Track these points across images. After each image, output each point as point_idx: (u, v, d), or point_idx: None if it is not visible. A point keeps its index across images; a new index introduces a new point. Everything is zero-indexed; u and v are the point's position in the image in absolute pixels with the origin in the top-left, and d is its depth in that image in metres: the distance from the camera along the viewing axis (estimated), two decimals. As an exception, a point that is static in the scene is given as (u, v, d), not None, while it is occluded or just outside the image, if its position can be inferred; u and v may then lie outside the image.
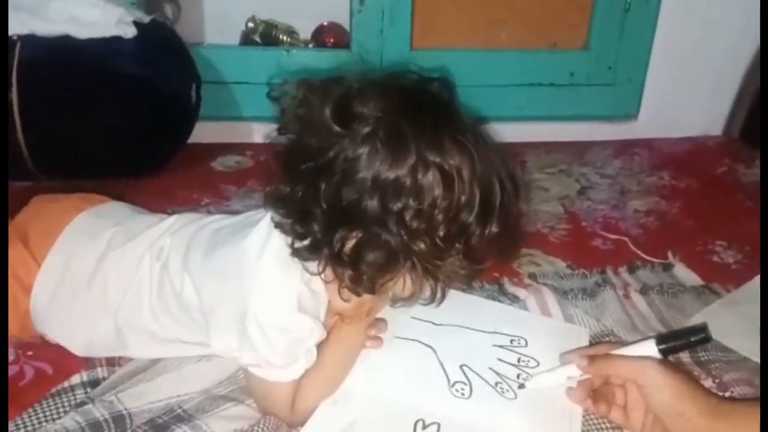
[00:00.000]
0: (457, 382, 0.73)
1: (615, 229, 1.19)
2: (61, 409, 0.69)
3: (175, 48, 1.34)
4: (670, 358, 0.71)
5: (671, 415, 0.63)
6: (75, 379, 0.73)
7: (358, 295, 0.64)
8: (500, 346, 0.80)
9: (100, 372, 0.75)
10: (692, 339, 0.71)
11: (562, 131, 1.62)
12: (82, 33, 1.19)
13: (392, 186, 0.58)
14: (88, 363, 0.76)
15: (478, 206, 0.59)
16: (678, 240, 1.13)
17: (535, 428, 0.69)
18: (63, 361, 0.76)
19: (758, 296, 0.91)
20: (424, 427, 0.68)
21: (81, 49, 1.19)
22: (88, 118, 1.19)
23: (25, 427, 0.67)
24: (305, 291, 0.67)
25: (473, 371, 0.75)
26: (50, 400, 0.70)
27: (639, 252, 1.09)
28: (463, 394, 0.72)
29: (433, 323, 0.82)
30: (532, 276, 1.00)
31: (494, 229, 0.61)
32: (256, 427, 0.66)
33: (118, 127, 1.22)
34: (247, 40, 1.71)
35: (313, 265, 0.64)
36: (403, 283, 0.64)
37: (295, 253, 0.64)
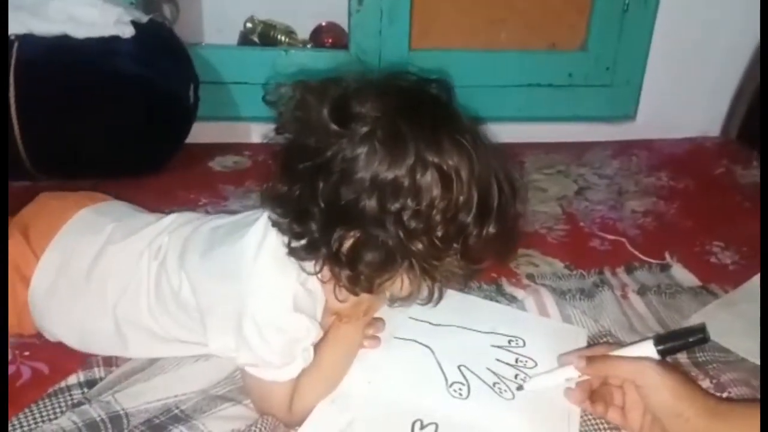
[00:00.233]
0: (455, 382, 0.73)
1: (613, 229, 1.19)
2: (57, 410, 0.69)
3: (173, 48, 1.34)
4: (668, 358, 0.71)
5: (669, 416, 0.64)
6: (72, 379, 0.73)
7: (356, 294, 0.64)
8: (498, 347, 0.80)
9: (97, 372, 0.75)
10: (690, 340, 0.71)
11: (561, 132, 1.62)
12: (80, 33, 1.19)
13: (390, 186, 0.58)
14: (85, 363, 0.76)
15: (476, 207, 0.59)
16: (676, 241, 1.13)
17: (533, 428, 0.69)
18: (60, 361, 0.76)
19: (756, 297, 0.91)
20: (422, 427, 0.68)
21: (79, 48, 1.19)
22: (86, 118, 1.19)
23: (22, 427, 0.67)
24: (301, 291, 0.67)
25: (471, 371, 0.75)
26: (47, 400, 0.70)
27: (637, 253, 1.10)
28: (461, 395, 0.72)
29: (431, 323, 0.82)
30: (530, 276, 1.00)
31: (492, 229, 0.61)
32: (253, 428, 0.66)
33: (116, 127, 1.22)
34: (245, 40, 1.71)
35: (309, 265, 0.64)
36: (400, 283, 0.64)
37: (292, 252, 0.64)
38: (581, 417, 0.71)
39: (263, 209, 0.68)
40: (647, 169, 1.48)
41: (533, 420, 0.70)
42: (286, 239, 0.64)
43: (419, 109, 0.61)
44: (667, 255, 1.07)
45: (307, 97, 0.62)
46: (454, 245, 0.60)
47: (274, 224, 0.65)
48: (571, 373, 0.72)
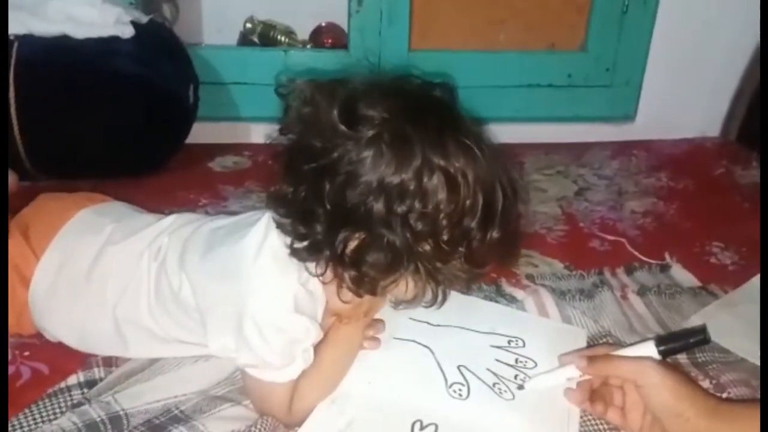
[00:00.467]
0: (454, 382, 0.73)
1: (612, 230, 1.19)
2: (57, 410, 0.69)
3: (173, 48, 1.34)
4: (668, 359, 0.71)
5: (670, 416, 0.64)
6: (72, 379, 0.73)
7: (360, 296, 0.64)
8: (498, 347, 0.80)
9: (97, 372, 0.75)
10: (691, 341, 0.71)
11: (560, 132, 1.62)
12: (79, 33, 1.19)
13: (397, 189, 0.58)
14: (85, 363, 0.76)
15: (481, 210, 0.60)
16: (675, 241, 1.13)
17: (532, 429, 0.69)
18: (60, 361, 0.76)
19: (756, 297, 0.91)
20: (422, 427, 0.68)
21: (79, 48, 1.19)
22: (86, 118, 1.19)
23: (22, 427, 0.66)
24: (302, 291, 0.67)
25: (471, 372, 0.75)
26: (47, 400, 0.70)
27: (636, 253, 1.10)
28: (460, 395, 0.72)
29: (431, 324, 0.82)
30: (530, 277, 1.00)
31: (495, 234, 0.61)
32: (253, 428, 0.66)
33: (116, 127, 1.22)
34: (245, 40, 1.71)
35: (311, 266, 0.64)
36: (405, 285, 0.64)
37: (294, 253, 0.64)
38: (581, 417, 0.71)
39: (264, 210, 0.68)
40: (647, 170, 1.48)
41: (533, 420, 0.70)
42: (288, 240, 0.64)
43: (425, 112, 0.61)
44: (666, 255, 1.07)
45: (316, 97, 0.62)
46: (460, 248, 0.61)
47: (278, 225, 0.65)
48: (572, 373, 0.72)
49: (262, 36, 1.70)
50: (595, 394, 0.71)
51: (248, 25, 1.70)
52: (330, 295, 0.68)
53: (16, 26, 1.15)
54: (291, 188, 0.63)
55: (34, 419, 0.68)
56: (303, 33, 1.73)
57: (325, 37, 1.71)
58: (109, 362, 0.76)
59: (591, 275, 1.02)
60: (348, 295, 0.65)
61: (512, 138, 1.42)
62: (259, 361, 0.66)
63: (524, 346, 0.81)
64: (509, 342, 0.81)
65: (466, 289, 0.89)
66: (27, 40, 1.16)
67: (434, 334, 0.81)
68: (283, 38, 1.69)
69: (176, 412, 0.68)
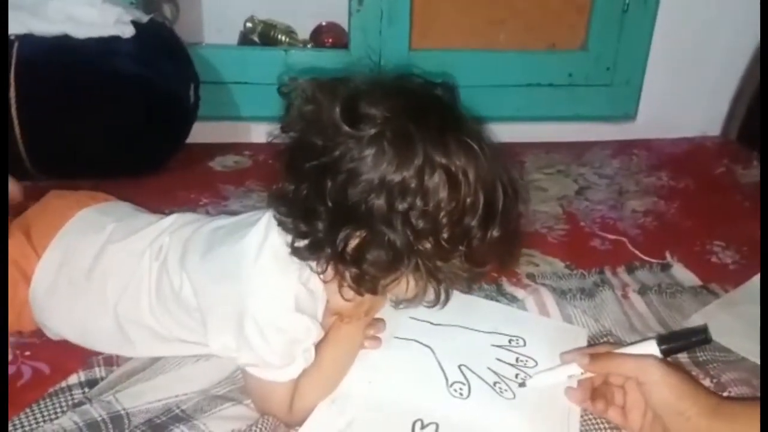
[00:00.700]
0: (455, 382, 0.73)
1: (613, 229, 1.19)
2: (58, 409, 0.69)
3: (173, 48, 1.34)
4: (669, 358, 0.71)
5: (671, 414, 0.64)
6: (73, 379, 0.73)
7: (361, 294, 0.64)
8: (499, 346, 0.80)
9: (98, 372, 0.75)
10: (692, 340, 0.71)
11: (561, 132, 1.62)
12: (80, 33, 1.19)
13: (398, 187, 0.58)
14: (86, 363, 0.76)
15: (482, 209, 0.60)
16: (676, 240, 1.13)
17: (533, 428, 0.69)
18: (61, 361, 0.76)
19: (756, 296, 0.91)
20: (423, 427, 0.68)
21: (79, 48, 1.19)
22: (87, 118, 1.19)
23: (23, 427, 0.67)
24: (303, 291, 0.67)
25: (472, 371, 0.75)
26: (48, 400, 0.70)
27: (637, 252, 1.10)
28: (461, 394, 0.72)
29: (432, 323, 0.82)
30: (531, 276, 1.00)
31: (495, 233, 0.61)
32: (254, 428, 0.66)
33: (116, 127, 1.22)
34: (245, 40, 1.71)
35: (312, 265, 0.65)
36: (406, 284, 0.64)
37: (295, 252, 0.64)
38: (581, 417, 0.71)
39: (265, 209, 0.68)
40: (647, 169, 1.48)
41: (534, 419, 0.70)
42: (289, 239, 0.64)
43: (427, 111, 0.61)
44: (667, 254, 1.07)
45: (319, 95, 0.62)
46: (460, 247, 0.61)
47: (279, 223, 0.65)
48: (574, 371, 0.72)
49: (263, 35, 1.70)
50: (595, 392, 0.71)
51: (249, 25, 1.70)
52: (331, 294, 0.68)
53: (16, 26, 1.15)
54: (292, 186, 0.63)
55: (36, 419, 0.68)
56: (303, 32, 1.73)
57: (326, 36, 1.71)
58: (110, 361, 0.76)
59: (592, 274, 1.02)
60: (349, 293, 0.65)
61: (513, 137, 1.42)
62: (259, 360, 0.66)
63: (525, 345, 0.81)
64: (510, 341, 0.81)
65: (467, 289, 0.89)
66: (27, 40, 1.16)
67: (435, 333, 0.81)
68: (283, 38, 1.69)
69: (177, 411, 0.68)
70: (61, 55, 1.18)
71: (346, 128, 0.59)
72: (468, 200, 0.59)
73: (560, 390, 0.72)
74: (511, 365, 0.77)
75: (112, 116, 1.21)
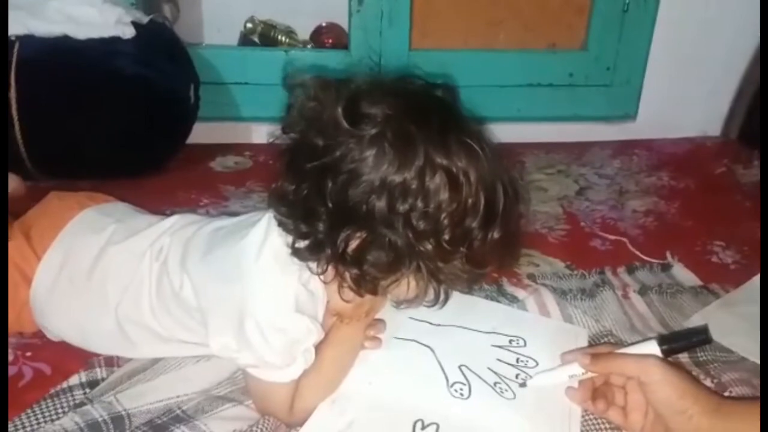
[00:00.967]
0: (456, 382, 0.73)
1: (613, 229, 1.19)
2: (60, 410, 0.69)
3: (173, 48, 1.34)
4: (669, 358, 0.71)
5: (673, 413, 0.64)
6: (74, 379, 0.73)
7: (361, 295, 0.64)
8: (499, 346, 0.80)
9: (99, 373, 0.75)
10: (693, 340, 0.71)
11: (561, 132, 1.62)
12: (80, 33, 1.19)
13: (399, 188, 0.58)
14: (87, 363, 0.76)
15: (483, 210, 0.60)
16: (676, 240, 1.13)
17: (533, 428, 0.69)
18: (62, 361, 0.76)
19: (757, 296, 0.91)
20: (423, 427, 0.68)
21: (79, 49, 1.19)
22: (87, 119, 1.19)
23: (24, 427, 0.67)
24: (303, 291, 0.67)
25: (472, 371, 0.75)
26: (49, 400, 0.70)
27: (637, 252, 1.10)
28: (462, 395, 0.72)
29: (432, 323, 0.82)
30: (531, 276, 1.00)
31: (496, 234, 0.61)
32: (254, 428, 0.66)
33: (116, 128, 1.22)
34: (245, 40, 1.71)
35: (313, 266, 0.65)
36: (406, 285, 0.64)
37: (296, 253, 0.64)
38: (582, 417, 0.71)
39: (266, 210, 0.68)
40: (648, 169, 1.48)
41: (534, 419, 0.70)
42: (289, 239, 0.64)
43: (428, 112, 0.61)
44: (668, 255, 1.07)
45: (321, 94, 0.62)
46: (461, 248, 0.61)
47: (279, 223, 0.65)
48: (575, 370, 0.72)
49: (263, 36, 1.70)
50: (596, 393, 0.71)
51: (249, 25, 1.70)
52: (331, 295, 0.68)
53: (16, 26, 1.15)
54: (293, 186, 0.63)
55: (37, 419, 0.68)
56: (304, 33, 1.73)
57: (326, 37, 1.71)
58: (111, 362, 0.76)
59: (592, 275, 1.02)
60: (349, 294, 0.65)
61: (513, 137, 1.42)
62: (260, 361, 0.66)
63: (525, 345, 0.81)
64: (510, 341, 0.81)
65: (468, 289, 0.89)
66: (28, 40, 1.16)
67: (435, 333, 0.81)
68: (283, 38, 1.70)
69: (178, 412, 0.69)
70: (61, 56, 1.18)
71: (347, 128, 0.59)
72: (469, 201, 0.59)
73: (561, 390, 0.72)
74: (512, 365, 0.77)
75: (113, 117, 1.21)
